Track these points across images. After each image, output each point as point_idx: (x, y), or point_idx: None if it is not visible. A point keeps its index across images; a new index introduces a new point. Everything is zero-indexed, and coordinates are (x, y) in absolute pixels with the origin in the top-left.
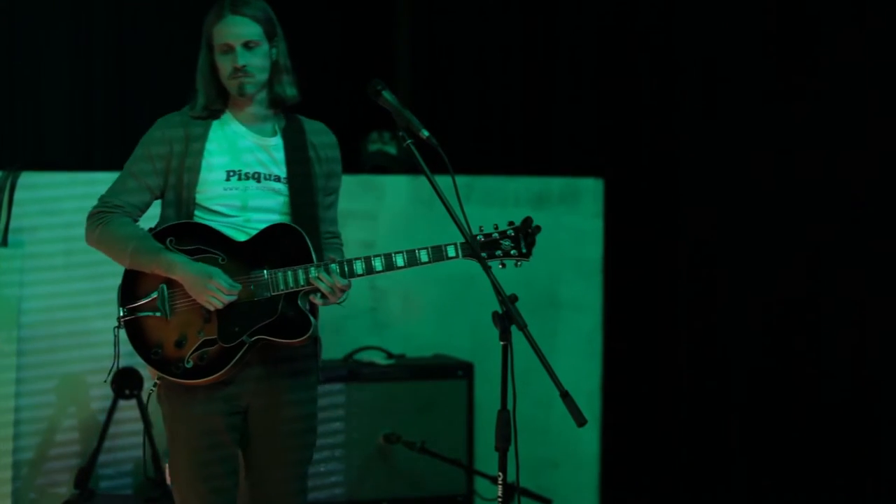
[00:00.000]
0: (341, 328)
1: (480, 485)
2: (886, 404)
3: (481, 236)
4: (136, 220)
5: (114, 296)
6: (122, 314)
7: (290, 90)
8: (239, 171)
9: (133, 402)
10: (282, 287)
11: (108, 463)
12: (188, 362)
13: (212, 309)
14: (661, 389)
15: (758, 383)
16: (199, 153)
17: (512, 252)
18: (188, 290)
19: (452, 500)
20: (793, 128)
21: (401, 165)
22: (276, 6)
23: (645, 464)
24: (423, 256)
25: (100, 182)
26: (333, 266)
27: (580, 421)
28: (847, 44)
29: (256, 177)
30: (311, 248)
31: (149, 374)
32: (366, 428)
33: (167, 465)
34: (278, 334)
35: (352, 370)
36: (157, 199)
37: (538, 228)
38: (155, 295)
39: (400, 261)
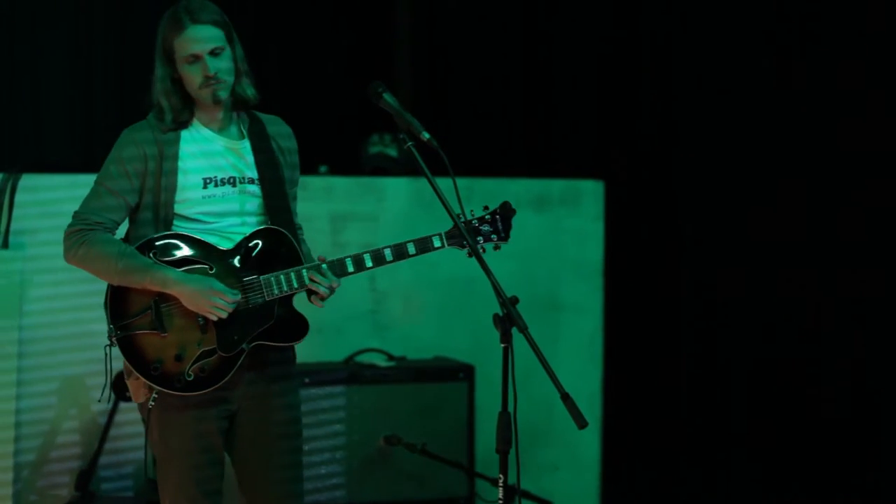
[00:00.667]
0: (342, 330)
1: (481, 487)
2: (887, 404)
3: (463, 223)
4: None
5: None
6: (113, 332)
7: (250, 90)
8: (215, 178)
9: (134, 403)
10: (276, 291)
11: (109, 465)
12: (189, 375)
13: (215, 319)
14: (662, 392)
15: (758, 386)
16: (174, 164)
17: (492, 237)
18: (187, 304)
19: (453, 502)
20: (793, 128)
21: (401, 167)
22: (276, 9)
23: (645, 466)
24: (411, 249)
25: None
26: (324, 265)
27: (581, 423)
28: (847, 44)
29: (232, 181)
30: (300, 250)
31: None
32: (366, 430)
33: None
34: (278, 338)
35: (352, 372)
36: (131, 212)
37: (514, 211)
38: (147, 311)
39: (389, 255)
